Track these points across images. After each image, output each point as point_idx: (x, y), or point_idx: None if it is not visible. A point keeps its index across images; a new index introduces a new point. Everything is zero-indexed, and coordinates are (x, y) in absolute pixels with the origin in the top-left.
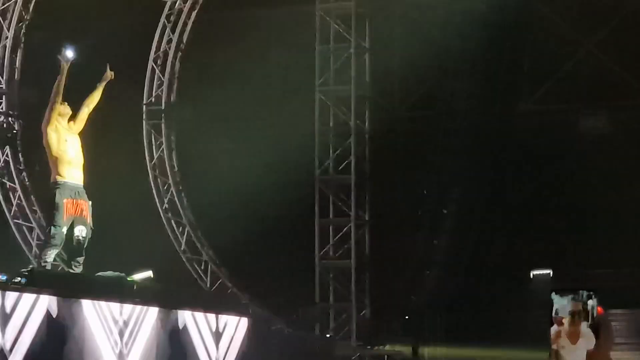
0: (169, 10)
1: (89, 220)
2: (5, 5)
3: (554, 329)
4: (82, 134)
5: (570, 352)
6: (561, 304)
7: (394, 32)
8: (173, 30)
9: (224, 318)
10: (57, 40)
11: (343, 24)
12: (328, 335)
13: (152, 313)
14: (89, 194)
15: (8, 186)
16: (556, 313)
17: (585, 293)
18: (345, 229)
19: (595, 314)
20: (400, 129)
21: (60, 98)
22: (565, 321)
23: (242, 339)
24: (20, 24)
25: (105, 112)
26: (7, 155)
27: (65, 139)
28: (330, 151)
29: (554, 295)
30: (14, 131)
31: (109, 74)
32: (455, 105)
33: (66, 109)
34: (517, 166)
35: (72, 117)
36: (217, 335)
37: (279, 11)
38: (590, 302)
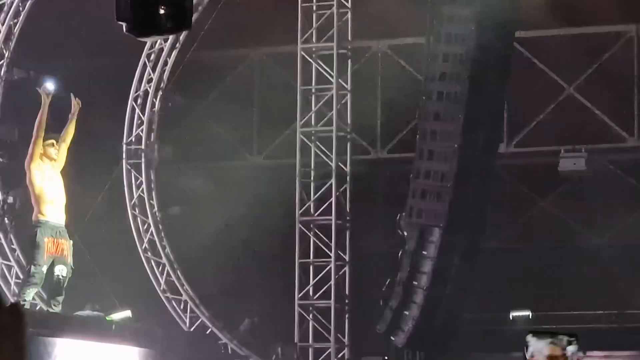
0: (149, 49)
1: (70, 259)
2: None
3: None
4: (62, 172)
5: None
6: (537, 347)
7: (376, 73)
8: (154, 70)
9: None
10: (37, 77)
11: (325, 64)
12: None
13: (131, 353)
14: (69, 233)
15: None
16: (532, 356)
17: (565, 338)
18: (325, 270)
19: None
20: (381, 170)
21: (42, 132)
22: None
23: None
24: (1, 62)
25: (84, 151)
26: None
27: (49, 177)
28: (312, 192)
29: (530, 337)
30: None
31: (76, 103)
32: (435, 147)
33: (52, 152)
34: (498, 208)
35: (51, 153)
36: None
37: (260, 51)
38: (570, 348)
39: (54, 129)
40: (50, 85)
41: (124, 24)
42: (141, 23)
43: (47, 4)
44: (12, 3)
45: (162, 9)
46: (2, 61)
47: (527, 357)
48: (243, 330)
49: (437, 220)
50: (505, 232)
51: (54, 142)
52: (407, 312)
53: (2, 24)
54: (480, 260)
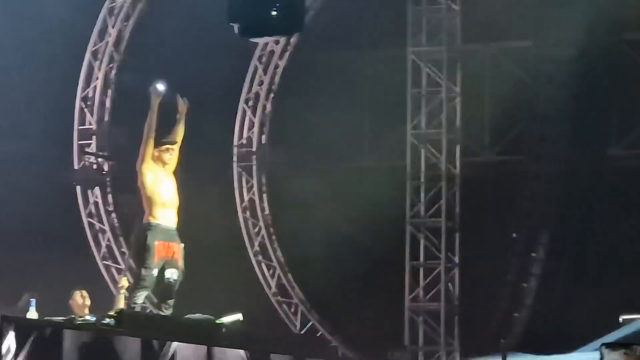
0: (260, 51)
1: (181, 263)
2: (96, 47)
3: None
4: (176, 175)
5: None
6: (611, 358)
7: (484, 77)
8: (265, 72)
9: None
10: (147, 80)
11: (435, 68)
12: None
13: (241, 356)
14: (181, 237)
15: (98, 228)
16: None
17: (639, 348)
18: (435, 272)
19: None
20: (490, 172)
21: (152, 133)
22: None
23: None
24: (111, 65)
25: (195, 154)
26: (96, 197)
27: (161, 179)
28: (422, 194)
29: (604, 349)
30: (104, 172)
31: (183, 103)
32: (544, 150)
33: (167, 157)
34: (606, 211)
35: (166, 152)
36: None
37: (371, 54)
38: None
39: (163, 132)
40: (160, 87)
41: (236, 26)
42: (253, 25)
43: (157, 7)
44: (122, 7)
45: (274, 11)
46: (112, 64)
47: None
48: None
49: (546, 222)
50: (614, 234)
51: (170, 147)
52: (517, 315)
53: (113, 27)
54: (590, 263)
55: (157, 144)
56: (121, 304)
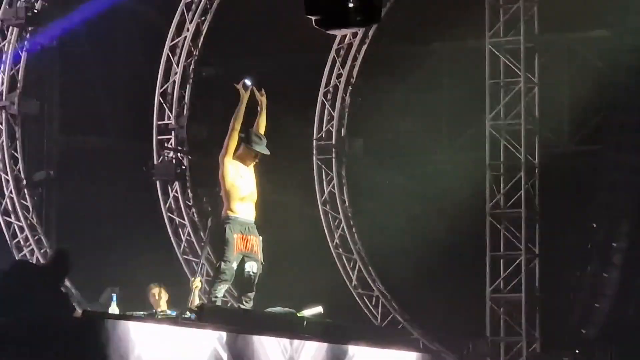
0: (338, 44)
1: (260, 256)
2: (174, 42)
3: None
4: (255, 168)
5: None
6: None
7: (562, 67)
8: (343, 65)
9: (394, 353)
10: (225, 75)
11: (512, 59)
12: None
13: (322, 349)
14: (259, 229)
15: (177, 222)
16: None
17: None
18: (516, 263)
19: None
20: (569, 162)
21: (239, 126)
22: None
23: None
24: (189, 60)
25: (275, 147)
26: (176, 191)
27: (241, 174)
28: (501, 185)
29: None
30: (183, 167)
31: (261, 95)
32: (624, 139)
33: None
34: None
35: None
36: None
37: (449, 45)
38: None
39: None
40: (248, 82)
41: (313, 18)
42: (330, 16)
43: (234, 1)
44: (199, 1)
45: (352, 2)
46: (190, 59)
47: None
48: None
49: (626, 211)
50: None
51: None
52: (598, 305)
53: (190, 23)
54: None
55: (250, 147)
56: (195, 302)
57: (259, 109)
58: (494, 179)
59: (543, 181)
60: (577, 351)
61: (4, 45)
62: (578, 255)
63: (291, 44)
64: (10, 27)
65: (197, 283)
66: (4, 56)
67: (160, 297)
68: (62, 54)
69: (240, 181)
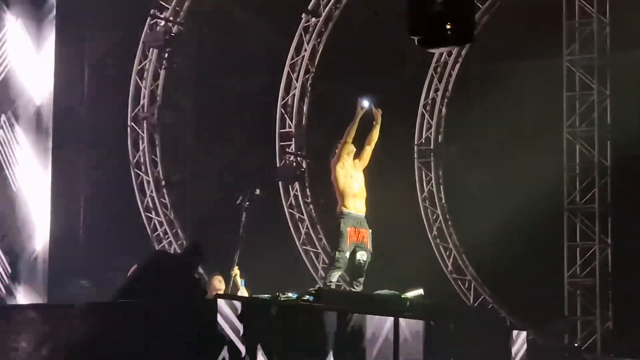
0: (435, 62)
1: (369, 246)
2: (293, 60)
3: None
4: (366, 169)
5: None
6: None
7: (631, 80)
8: (440, 80)
9: (487, 331)
10: (338, 89)
11: (587, 73)
12: (576, 345)
13: (420, 326)
14: (369, 223)
15: (297, 217)
16: None
17: None
18: (590, 252)
19: None
20: (638, 164)
21: (350, 139)
22: None
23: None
24: (307, 76)
25: (382, 152)
26: (296, 190)
27: (351, 175)
28: (577, 184)
29: None
30: (302, 169)
31: (377, 112)
32: None
33: (352, 147)
34: None
35: (357, 155)
36: None
37: (530, 63)
38: None
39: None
40: (365, 103)
41: (416, 38)
42: (430, 37)
43: (345, 25)
44: (315, 25)
45: (449, 24)
46: (308, 75)
47: None
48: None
49: None
50: None
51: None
52: None
53: (307, 44)
54: None
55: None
56: (237, 288)
57: (374, 122)
58: (570, 179)
59: (614, 180)
60: None
61: (146, 63)
62: None
63: (395, 62)
64: (151, 48)
65: (235, 271)
66: (145, 73)
67: (220, 287)
68: (196, 71)
69: (351, 181)
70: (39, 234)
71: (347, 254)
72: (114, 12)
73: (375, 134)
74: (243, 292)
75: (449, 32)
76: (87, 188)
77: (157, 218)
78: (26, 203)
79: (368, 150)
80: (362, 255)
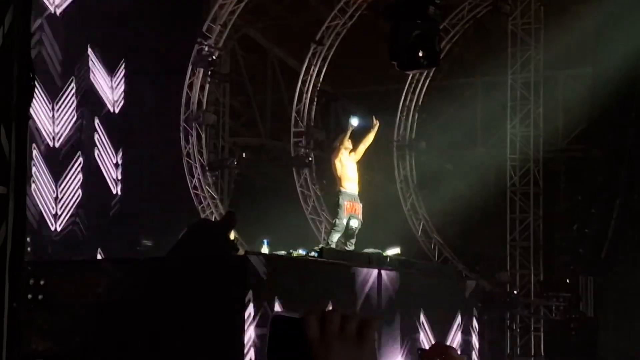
0: (411, 79)
1: (360, 216)
2: (304, 78)
3: None
4: (360, 161)
5: None
6: None
7: (558, 93)
8: (414, 92)
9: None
10: (338, 100)
11: (525, 88)
12: (515, 292)
13: (398, 276)
14: (360, 198)
15: (306, 194)
16: None
17: None
18: (526, 222)
19: None
20: (562, 156)
21: (344, 145)
22: None
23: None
24: (315, 89)
25: (371, 146)
26: (305, 174)
27: (347, 164)
28: (517, 171)
29: None
30: (310, 159)
31: (376, 122)
32: (604, 141)
33: (347, 145)
34: None
35: (353, 149)
36: None
37: (482, 79)
38: None
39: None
40: (354, 122)
41: (395, 62)
42: (407, 62)
43: (343, 52)
44: (322, 51)
45: (421, 52)
46: (316, 88)
47: None
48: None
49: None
50: None
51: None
52: (581, 250)
53: (315, 66)
54: None
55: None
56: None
57: (371, 129)
58: (512, 167)
59: (544, 168)
60: (567, 280)
61: (193, 79)
62: (569, 217)
63: (381, 80)
64: (198, 68)
65: (232, 236)
66: (193, 87)
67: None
68: (230, 85)
69: (347, 169)
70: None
71: (344, 222)
72: (172, 43)
73: (370, 138)
74: (265, 250)
75: (420, 58)
76: (149, 171)
77: (202, 194)
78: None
79: (362, 149)
80: (354, 223)
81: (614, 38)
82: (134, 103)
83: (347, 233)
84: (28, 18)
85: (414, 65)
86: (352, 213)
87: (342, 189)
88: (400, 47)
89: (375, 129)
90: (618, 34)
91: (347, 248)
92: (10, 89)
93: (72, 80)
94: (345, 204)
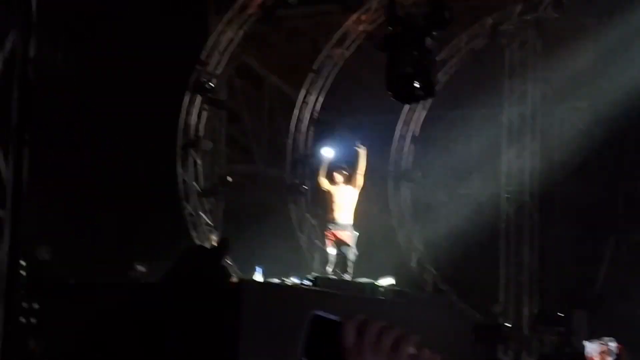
0: (407, 110)
1: (352, 245)
2: (301, 105)
3: None
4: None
5: None
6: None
7: (555, 126)
8: (408, 123)
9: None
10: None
11: (521, 120)
12: (508, 325)
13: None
14: (356, 229)
15: (300, 222)
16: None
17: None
18: (520, 255)
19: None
20: (557, 191)
21: (323, 172)
22: None
23: None
24: (311, 117)
25: (366, 176)
26: (300, 203)
27: (335, 194)
28: (512, 203)
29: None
30: (305, 187)
31: (363, 149)
32: (601, 173)
33: (340, 178)
34: None
35: (349, 181)
36: None
37: (478, 111)
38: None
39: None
40: (326, 152)
41: (390, 93)
42: (402, 93)
43: (339, 81)
44: (318, 80)
45: (417, 83)
46: (311, 115)
47: None
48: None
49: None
50: None
51: (344, 171)
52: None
53: (310, 95)
54: None
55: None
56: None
57: (359, 158)
58: (508, 199)
59: (541, 201)
60: (560, 314)
61: (191, 106)
62: (563, 251)
63: (375, 109)
64: (196, 94)
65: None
66: (190, 114)
67: None
68: (227, 112)
69: (334, 199)
70: None
71: (330, 250)
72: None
73: (362, 164)
74: (259, 278)
75: (416, 89)
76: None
77: (197, 220)
78: None
79: (359, 177)
80: (345, 251)
81: (611, 73)
82: None
83: (340, 262)
84: (28, 42)
85: (410, 96)
86: (340, 242)
87: (329, 219)
88: (397, 78)
89: (363, 154)
90: (616, 69)
91: (345, 277)
92: (9, 112)
93: None
94: (328, 234)
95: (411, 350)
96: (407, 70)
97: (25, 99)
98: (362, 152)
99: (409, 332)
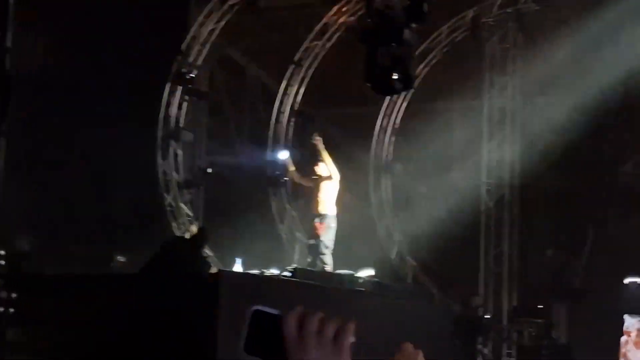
0: (387, 102)
1: (321, 235)
2: (282, 97)
3: None
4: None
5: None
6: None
7: (533, 119)
8: (389, 115)
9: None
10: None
11: (501, 113)
12: (487, 317)
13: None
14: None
15: (280, 213)
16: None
17: None
18: (500, 247)
19: None
20: (537, 184)
21: (294, 177)
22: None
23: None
24: (292, 107)
25: (347, 169)
26: (280, 194)
27: (312, 189)
28: (493, 196)
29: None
30: (285, 179)
31: (315, 137)
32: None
33: (309, 182)
34: None
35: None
36: None
37: (458, 104)
38: None
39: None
40: (282, 156)
41: (369, 85)
42: (381, 85)
43: (321, 73)
44: (299, 72)
45: (395, 75)
46: (292, 107)
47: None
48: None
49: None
50: None
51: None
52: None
53: (292, 86)
54: None
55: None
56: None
57: (317, 146)
58: (488, 192)
59: (520, 194)
60: (540, 306)
61: (171, 98)
62: (543, 243)
63: (360, 99)
64: (176, 86)
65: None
66: (170, 105)
67: None
68: (208, 103)
69: (312, 193)
70: None
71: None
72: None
73: (322, 151)
74: (238, 269)
75: (395, 81)
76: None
77: (177, 212)
78: None
79: (327, 167)
80: (319, 243)
81: (592, 66)
82: None
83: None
84: (5, 33)
85: (388, 88)
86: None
87: (312, 212)
88: (375, 70)
89: (320, 145)
90: (597, 62)
91: (323, 268)
92: None
93: None
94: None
95: (352, 339)
96: (385, 63)
97: (3, 89)
98: (319, 143)
99: (348, 322)
